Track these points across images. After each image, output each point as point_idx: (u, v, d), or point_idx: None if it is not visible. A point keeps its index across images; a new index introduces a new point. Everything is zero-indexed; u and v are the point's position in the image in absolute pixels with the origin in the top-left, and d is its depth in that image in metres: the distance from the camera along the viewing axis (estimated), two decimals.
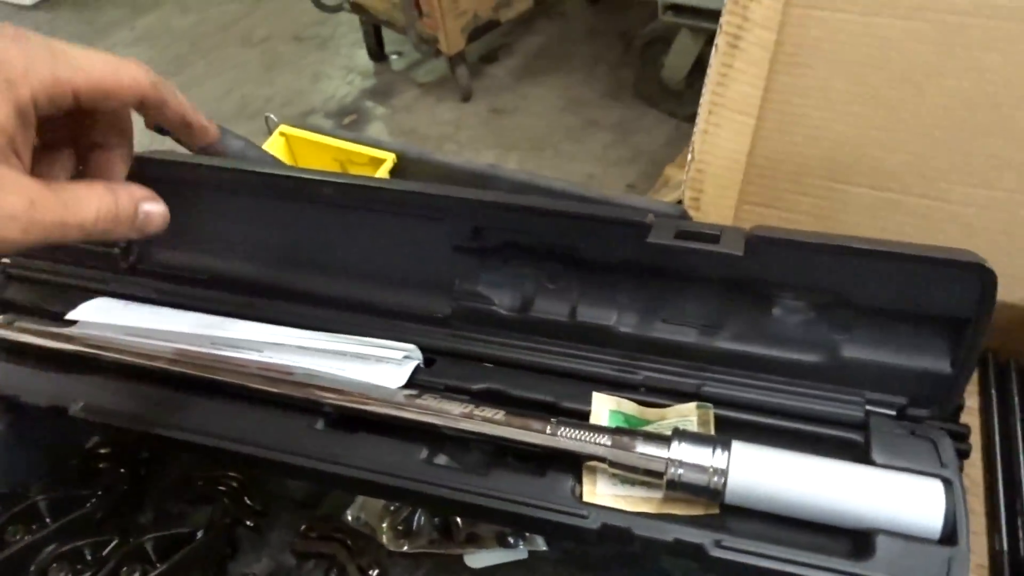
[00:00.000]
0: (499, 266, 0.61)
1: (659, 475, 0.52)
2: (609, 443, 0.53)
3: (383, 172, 0.82)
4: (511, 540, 0.62)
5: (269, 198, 0.62)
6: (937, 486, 0.49)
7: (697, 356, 0.58)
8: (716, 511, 0.53)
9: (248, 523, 0.65)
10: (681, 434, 0.53)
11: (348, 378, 0.58)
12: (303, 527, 0.64)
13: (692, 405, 0.57)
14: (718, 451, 0.51)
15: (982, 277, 0.49)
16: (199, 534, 0.62)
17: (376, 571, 0.61)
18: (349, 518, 0.64)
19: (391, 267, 0.62)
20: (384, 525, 0.63)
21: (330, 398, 0.58)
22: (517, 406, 0.58)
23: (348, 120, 2.90)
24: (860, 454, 0.54)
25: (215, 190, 0.63)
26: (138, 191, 0.45)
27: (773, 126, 0.67)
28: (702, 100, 0.67)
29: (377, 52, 3.10)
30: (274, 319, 0.63)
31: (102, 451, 0.70)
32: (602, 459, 0.54)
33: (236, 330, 0.61)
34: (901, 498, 0.49)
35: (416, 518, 0.63)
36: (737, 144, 0.68)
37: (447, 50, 2.65)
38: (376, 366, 0.58)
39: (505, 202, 0.55)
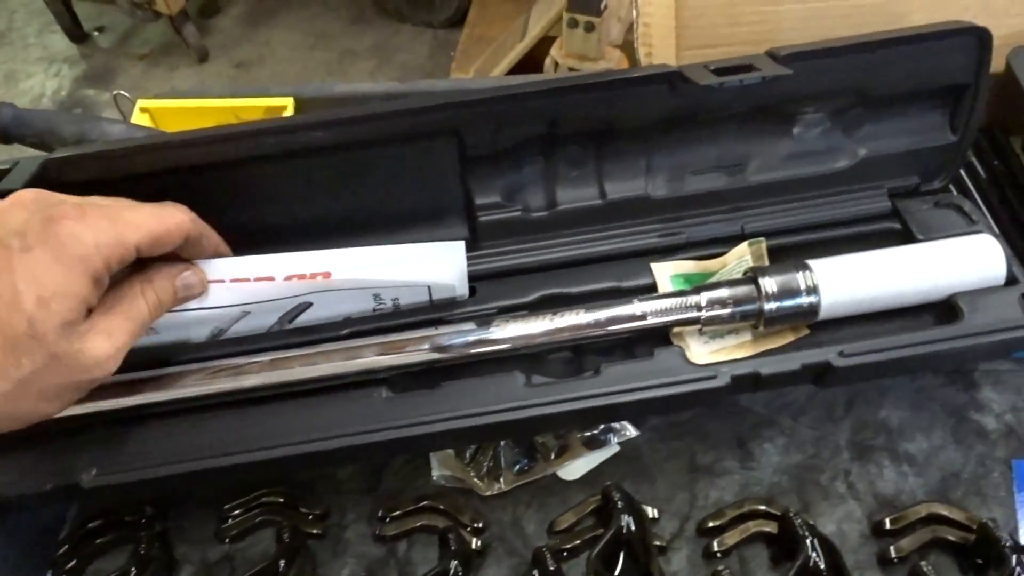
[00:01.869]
0: (514, 169, 0.56)
1: (754, 316, 0.53)
2: (703, 302, 0.52)
3: None
4: (601, 438, 0.60)
5: (241, 164, 0.51)
6: (990, 239, 0.54)
7: (732, 198, 0.58)
8: (806, 332, 0.55)
9: (315, 531, 0.58)
10: (761, 270, 0.53)
11: (403, 334, 0.52)
12: (380, 512, 0.58)
13: (744, 244, 0.57)
14: (802, 273, 0.52)
15: (979, 37, 0.53)
16: (281, 564, 0.54)
17: (480, 522, 0.57)
18: (436, 479, 0.58)
19: (397, 203, 0.55)
20: (472, 474, 0.58)
21: (392, 361, 0.52)
22: (580, 302, 0.55)
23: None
24: (903, 238, 0.58)
25: (164, 175, 0.52)
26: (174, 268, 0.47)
27: None
28: None
29: (76, 32, 2.69)
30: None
31: (97, 528, 0.58)
32: (695, 321, 0.53)
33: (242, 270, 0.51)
34: (966, 258, 0.54)
35: (502, 454, 0.59)
36: None
37: (167, 9, 2.36)
38: (425, 275, 0.52)
39: (533, 90, 0.50)
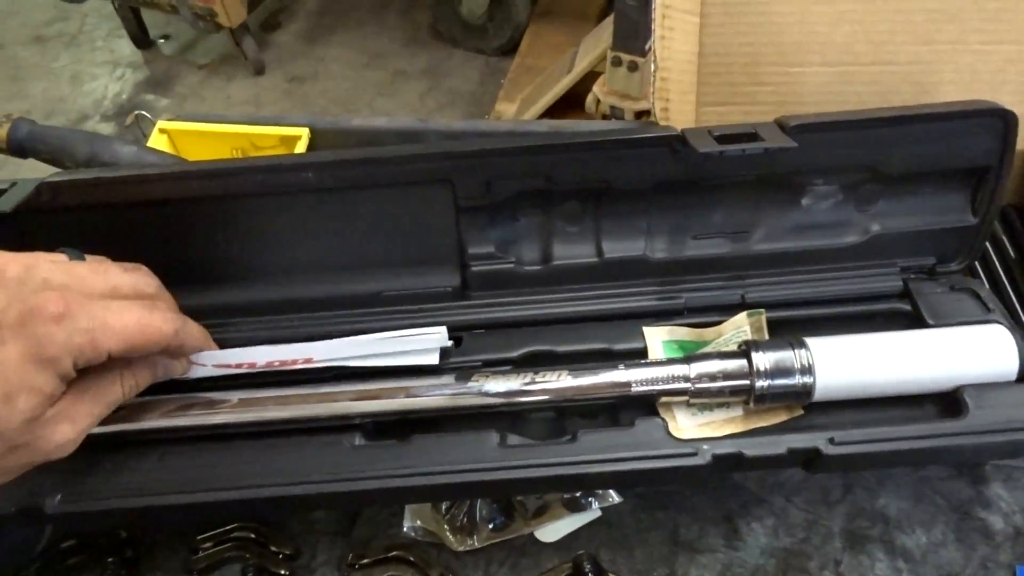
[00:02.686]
0: (510, 221, 0.55)
1: (744, 392, 0.51)
2: (692, 374, 0.50)
3: (300, 151, 0.71)
4: (583, 501, 0.58)
5: (230, 200, 0.52)
6: (1003, 330, 0.51)
7: (734, 265, 0.56)
8: (800, 413, 0.53)
9: (283, 572, 0.57)
10: (755, 344, 0.51)
11: (379, 382, 0.51)
12: (350, 558, 0.57)
13: (743, 315, 0.55)
14: (798, 351, 0.50)
15: (1004, 119, 0.51)
16: None
17: None
18: (406, 530, 0.57)
19: (387, 248, 0.55)
20: (445, 527, 0.57)
21: (368, 408, 0.51)
22: (567, 362, 0.53)
23: (131, 120, 2.59)
24: (912, 321, 0.55)
25: (155, 206, 0.52)
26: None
27: (718, 20, 0.66)
28: (655, 5, 0.64)
29: (142, 39, 2.78)
30: (264, 339, 0.54)
31: (68, 548, 0.58)
32: (683, 392, 0.51)
33: (226, 359, 0.51)
34: (975, 349, 0.51)
35: (478, 509, 0.57)
36: (690, 45, 0.66)
37: (228, 22, 2.43)
38: (403, 360, 0.51)
39: (528, 145, 0.49)
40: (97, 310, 0.42)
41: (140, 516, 0.51)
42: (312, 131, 0.73)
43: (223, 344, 0.53)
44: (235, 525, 0.59)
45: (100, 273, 0.45)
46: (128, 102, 2.68)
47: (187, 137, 0.74)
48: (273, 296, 0.56)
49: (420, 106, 2.56)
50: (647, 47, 1.44)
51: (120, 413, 0.50)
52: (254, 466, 0.50)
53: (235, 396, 0.50)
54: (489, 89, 2.49)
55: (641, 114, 1.49)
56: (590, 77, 1.77)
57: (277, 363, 0.50)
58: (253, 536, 0.58)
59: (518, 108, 1.93)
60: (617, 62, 1.49)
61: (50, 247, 0.45)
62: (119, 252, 0.48)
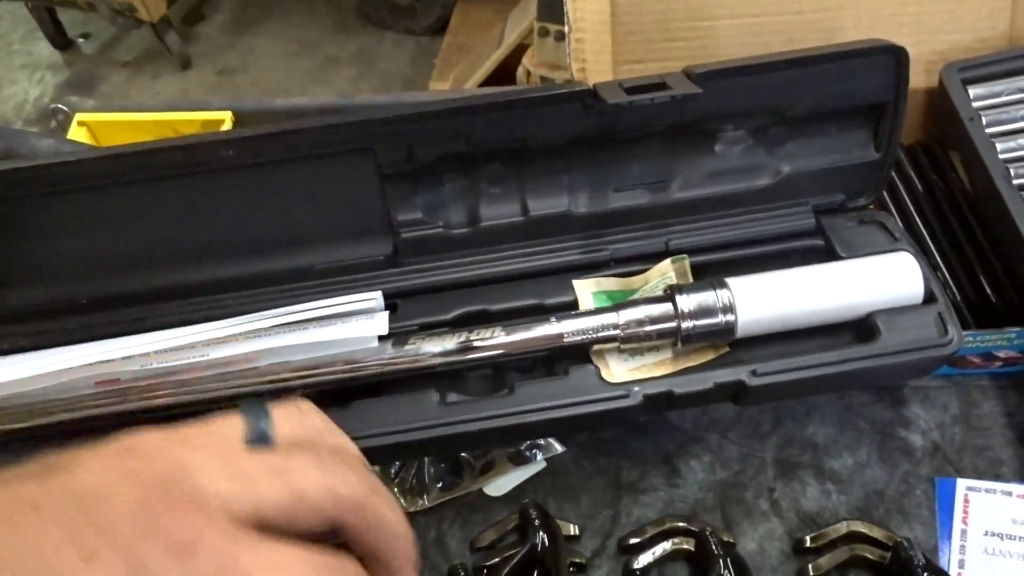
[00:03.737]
0: (435, 186, 0.56)
1: (671, 334, 0.53)
2: (620, 320, 0.52)
3: None
4: (527, 454, 0.60)
5: (146, 183, 0.52)
6: (908, 257, 0.54)
7: (655, 214, 0.58)
8: (726, 350, 0.55)
9: None
10: (679, 288, 0.53)
11: (320, 351, 0.52)
12: None
13: (667, 262, 0.57)
14: (719, 291, 0.52)
15: (896, 56, 0.53)
16: None
17: None
18: None
19: (315, 221, 0.55)
20: (395, 490, 0.58)
21: (307, 379, 0.51)
22: (501, 320, 0.55)
23: (54, 124, 2.51)
24: (826, 255, 0.58)
25: (69, 193, 0.52)
26: None
27: None
28: None
29: (60, 39, 2.69)
30: (197, 320, 0.54)
31: None
32: (613, 339, 0.53)
33: (158, 340, 0.51)
34: (884, 276, 0.53)
35: (426, 470, 0.59)
36: (602, 6, 0.67)
37: (148, 17, 2.37)
38: (345, 326, 0.52)
39: (444, 109, 0.50)
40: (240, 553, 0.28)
41: None
42: (236, 115, 0.73)
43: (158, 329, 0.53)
44: None
45: (278, 476, 0.30)
46: (51, 105, 2.60)
47: (107, 128, 0.73)
48: (205, 277, 0.56)
49: (353, 91, 2.54)
50: None
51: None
52: None
53: (172, 376, 0.51)
54: (422, 70, 2.48)
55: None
56: (520, 50, 1.78)
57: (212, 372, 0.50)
58: None
59: (452, 85, 1.93)
60: (544, 32, 1.50)
61: None
62: (39, 244, 0.48)
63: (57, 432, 0.51)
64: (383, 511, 0.33)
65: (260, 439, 0.33)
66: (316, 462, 0.32)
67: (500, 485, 0.60)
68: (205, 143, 0.49)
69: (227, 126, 0.71)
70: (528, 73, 1.61)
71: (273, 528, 0.30)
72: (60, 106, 0.73)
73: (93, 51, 2.74)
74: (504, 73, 1.84)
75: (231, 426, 0.32)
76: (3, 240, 0.53)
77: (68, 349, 0.53)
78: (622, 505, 0.58)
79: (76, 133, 0.72)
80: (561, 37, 1.48)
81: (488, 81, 1.85)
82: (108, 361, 0.49)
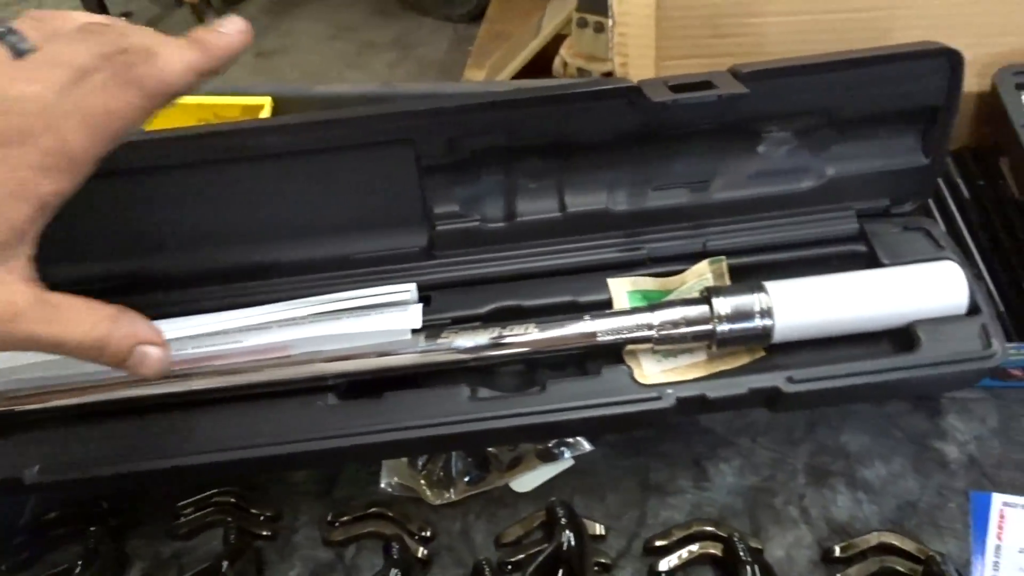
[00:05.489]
0: (473, 179, 0.56)
1: (707, 337, 0.52)
2: (655, 321, 0.52)
3: None
4: (555, 451, 0.60)
5: (187, 168, 0.52)
6: (954, 266, 0.53)
7: (694, 215, 0.58)
8: (761, 354, 0.54)
9: (265, 533, 0.58)
10: (716, 290, 0.52)
11: (353, 342, 0.52)
12: (330, 516, 0.58)
13: (704, 263, 0.57)
14: (756, 294, 0.52)
15: (950, 59, 0.52)
16: (224, 565, 0.54)
17: (428, 531, 0.57)
18: (383, 486, 0.58)
19: (355, 211, 0.55)
20: (422, 482, 0.58)
21: (341, 368, 0.52)
22: (534, 316, 0.55)
23: None
24: (868, 261, 0.57)
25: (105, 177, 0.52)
26: (142, 329, 0.40)
27: None
28: None
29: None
30: (234, 305, 0.54)
31: (51, 520, 0.58)
32: (647, 340, 0.52)
33: (196, 325, 0.52)
34: (927, 285, 0.52)
35: (453, 463, 0.59)
36: (648, 0, 0.66)
37: None
38: (379, 318, 0.52)
39: (487, 102, 0.50)
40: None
41: (120, 483, 0.51)
42: (275, 100, 0.73)
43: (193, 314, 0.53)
44: (215, 491, 0.60)
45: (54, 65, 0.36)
46: None
47: None
48: (242, 263, 0.56)
49: (390, 76, 2.54)
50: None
51: (95, 383, 0.51)
52: (230, 429, 0.51)
53: (210, 364, 0.51)
54: (459, 57, 2.47)
55: (608, 75, 1.49)
56: (558, 40, 1.77)
57: (247, 359, 0.50)
58: (233, 500, 0.59)
59: (487, 74, 1.93)
60: (583, 23, 1.49)
61: None
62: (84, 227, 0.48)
63: (78, 411, 0.51)
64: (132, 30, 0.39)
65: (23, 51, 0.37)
66: (69, 40, 0.37)
67: (527, 481, 0.59)
68: (248, 129, 0.50)
69: (267, 112, 0.72)
70: (565, 64, 1.60)
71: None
72: None
73: None
74: (541, 62, 1.83)
75: None
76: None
77: None
78: (649, 506, 0.58)
79: None
80: (600, 28, 1.46)
81: (524, 71, 1.84)
82: None
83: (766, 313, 0.51)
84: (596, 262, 0.57)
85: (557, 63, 1.65)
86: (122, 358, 0.39)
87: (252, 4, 2.79)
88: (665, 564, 0.54)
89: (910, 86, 0.53)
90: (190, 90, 0.41)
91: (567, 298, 0.56)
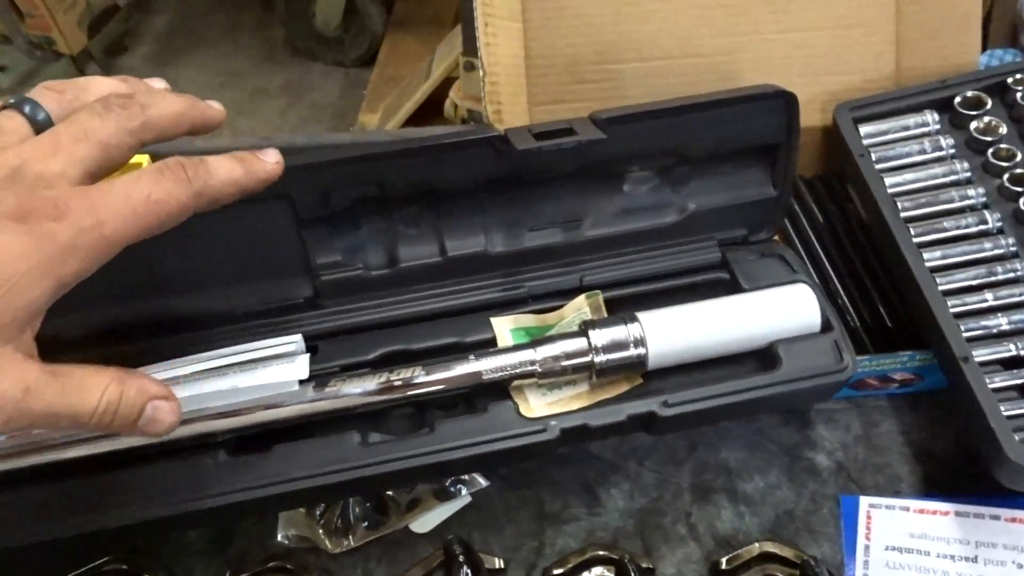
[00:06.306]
0: (353, 228, 0.57)
1: (586, 368, 0.55)
2: (537, 357, 0.54)
3: None
4: (452, 489, 0.61)
5: None
6: (806, 288, 0.57)
7: (569, 252, 0.60)
8: (639, 382, 0.57)
9: None
10: (592, 323, 0.55)
11: (241, 397, 0.52)
12: (227, 574, 0.57)
13: (582, 297, 0.60)
14: (630, 325, 0.55)
15: (786, 100, 0.57)
16: None
17: None
18: (280, 538, 0.58)
19: (238, 266, 0.56)
20: (320, 531, 0.58)
21: (230, 424, 0.52)
22: (421, 359, 0.56)
23: None
24: (730, 287, 0.61)
25: None
26: (151, 385, 0.40)
27: (539, 24, 0.70)
28: (476, 15, 0.67)
29: None
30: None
31: None
32: (531, 374, 0.54)
33: None
34: (783, 307, 0.57)
35: (351, 510, 0.59)
36: (515, 50, 0.69)
37: (68, 50, 2.32)
38: (266, 371, 0.52)
39: (357, 155, 0.51)
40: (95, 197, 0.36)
41: None
42: (153, 158, 0.72)
43: None
44: (105, 559, 0.58)
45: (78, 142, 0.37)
46: None
47: None
48: (122, 319, 0.56)
49: (282, 123, 2.52)
50: None
51: None
52: (117, 494, 0.51)
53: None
54: (351, 101, 2.48)
55: None
56: (448, 82, 1.81)
57: None
58: (125, 567, 0.58)
59: (381, 117, 1.94)
60: (469, 67, 1.53)
61: None
62: None
63: None
64: (153, 98, 0.42)
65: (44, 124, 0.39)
66: (93, 114, 0.38)
67: (426, 522, 0.60)
68: None
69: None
70: (455, 106, 1.63)
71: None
72: None
73: (10, 84, 2.65)
74: (435, 104, 1.86)
75: (14, 122, 0.38)
76: None
77: None
78: (546, 536, 0.60)
79: None
80: None
81: (418, 113, 1.87)
82: None
83: (640, 342, 0.54)
84: (478, 302, 0.59)
85: (448, 105, 1.68)
86: (133, 420, 0.39)
87: (135, 54, 2.72)
88: None
89: (753, 125, 0.58)
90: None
91: (452, 339, 0.58)
